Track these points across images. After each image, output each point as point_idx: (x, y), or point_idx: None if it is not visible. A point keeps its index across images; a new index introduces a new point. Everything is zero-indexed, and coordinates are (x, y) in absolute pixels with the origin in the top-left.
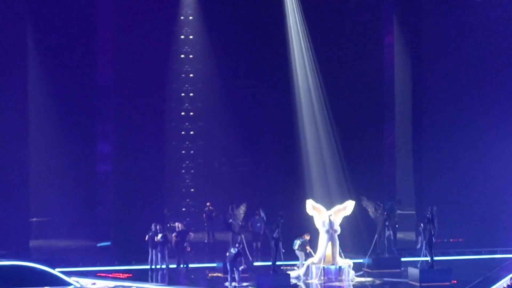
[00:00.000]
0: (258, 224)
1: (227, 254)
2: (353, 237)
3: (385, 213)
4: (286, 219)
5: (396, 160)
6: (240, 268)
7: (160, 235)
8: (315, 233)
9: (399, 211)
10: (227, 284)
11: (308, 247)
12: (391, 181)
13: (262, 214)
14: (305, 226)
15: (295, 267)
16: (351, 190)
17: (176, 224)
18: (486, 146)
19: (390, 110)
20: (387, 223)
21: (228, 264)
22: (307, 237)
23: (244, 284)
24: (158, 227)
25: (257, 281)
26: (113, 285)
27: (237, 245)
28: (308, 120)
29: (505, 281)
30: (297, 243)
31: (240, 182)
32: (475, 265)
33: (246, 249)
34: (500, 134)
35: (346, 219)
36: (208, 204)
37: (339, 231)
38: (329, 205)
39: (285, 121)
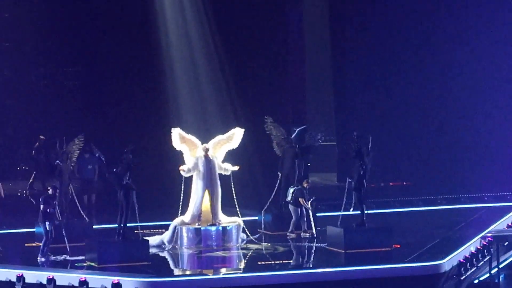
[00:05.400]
0: (90, 167)
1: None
2: (243, 183)
3: (297, 146)
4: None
5: (305, 66)
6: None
7: None
8: (188, 180)
9: (320, 142)
10: (39, 257)
11: (302, 200)
12: (299, 99)
13: (96, 152)
14: (168, 167)
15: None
16: (239, 112)
17: None
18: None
19: None
20: (297, 161)
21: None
22: (306, 185)
23: (80, 257)
24: None
25: (98, 253)
26: None
27: (49, 189)
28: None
29: (472, 243)
30: (290, 192)
31: (71, 103)
32: (428, 221)
33: (78, 205)
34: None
35: (231, 155)
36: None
37: (230, 171)
38: (205, 136)
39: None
